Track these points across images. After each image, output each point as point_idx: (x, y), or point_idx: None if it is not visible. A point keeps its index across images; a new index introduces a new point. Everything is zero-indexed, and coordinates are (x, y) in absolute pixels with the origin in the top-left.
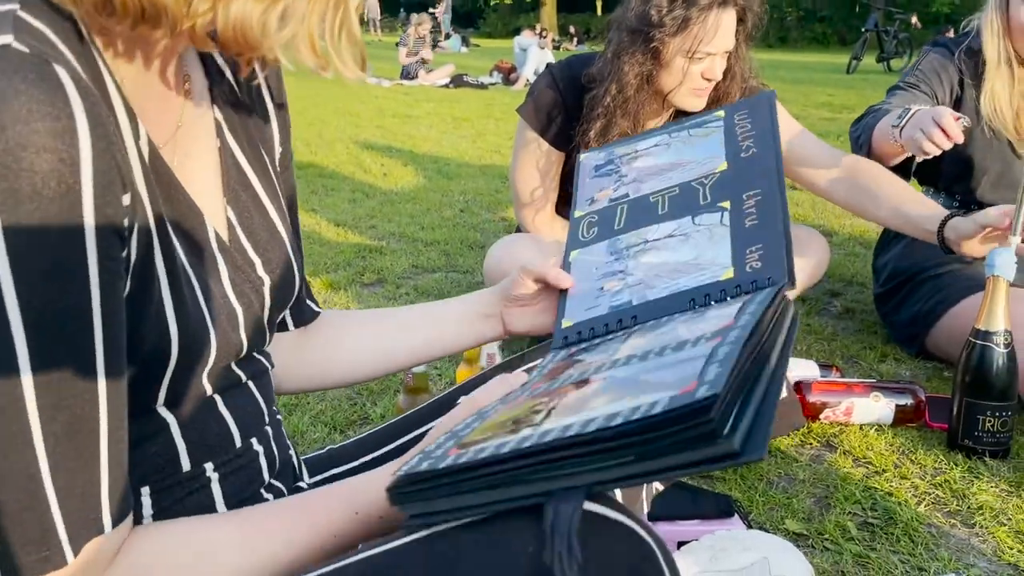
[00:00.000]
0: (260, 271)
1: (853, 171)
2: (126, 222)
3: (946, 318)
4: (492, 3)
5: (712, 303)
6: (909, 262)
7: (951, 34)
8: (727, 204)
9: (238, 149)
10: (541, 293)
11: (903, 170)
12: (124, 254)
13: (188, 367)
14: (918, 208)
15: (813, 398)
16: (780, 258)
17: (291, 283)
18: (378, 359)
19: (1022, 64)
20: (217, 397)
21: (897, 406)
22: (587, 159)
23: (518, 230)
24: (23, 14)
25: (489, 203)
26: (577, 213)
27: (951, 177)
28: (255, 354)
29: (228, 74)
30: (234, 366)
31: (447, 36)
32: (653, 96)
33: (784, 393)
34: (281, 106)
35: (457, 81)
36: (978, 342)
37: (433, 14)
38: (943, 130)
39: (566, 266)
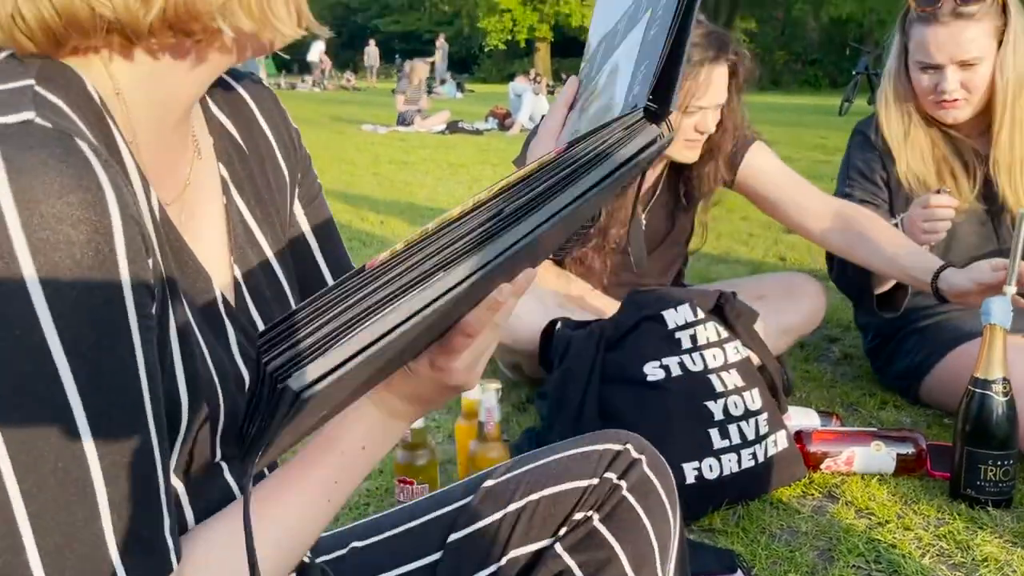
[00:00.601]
0: None
1: (846, 218)
2: (153, 283)
3: (936, 370)
4: (486, 49)
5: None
6: (895, 318)
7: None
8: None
9: (244, 206)
10: None
11: (899, 289)
12: (154, 312)
13: (197, 432)
14: (912, 258)
15: (814, 448)
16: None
17: None
18: None
19: (936, 126)
20: (223, 464)
21: (899, 455)
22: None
23: None
24: (40, 89)
25: None
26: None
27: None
28: None
29: (232, 130)
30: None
31: (442, 82)
32: None
33: (785, 444)
34: (293, 147)
35: (452, 127)
36: (977, 391)
37: (430, 61)
38: (937, 212)
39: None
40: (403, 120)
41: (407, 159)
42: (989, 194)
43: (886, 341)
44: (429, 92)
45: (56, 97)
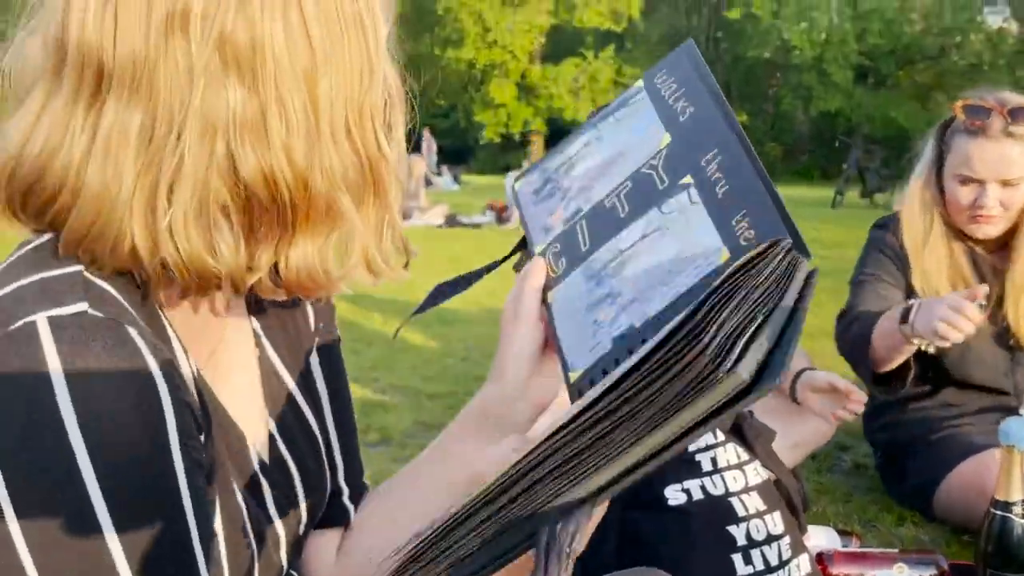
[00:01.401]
0: (298, 486)
1: None
2: (204, 459)
3: (946, 484)
4: (481, 142)
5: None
6: (904, 433)
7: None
8: (689, 179)
9: (276, 356)
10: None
11: (899, 375)
12: (205, 484)
13: None
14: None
15: (836, 570)
16: (773, 217)
17: (324, 496)
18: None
19: (958, 238)
20: None
21: None
22: (521, 186)
23: None
24: (89, 276)
25: (490, 351)
26: (537, 249)
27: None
28: (292, 572)
29: None
30: None
31: (438, 173)
32: None
33: (808, 569)
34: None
35: (451, 221)
36: (998, 513)
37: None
38: (963, 322)
39: (548, 314)
40: (402, 215)
41: None
42: (998, 313)
43: (895, 458)
44: (428, 184)
45: (104, 281)
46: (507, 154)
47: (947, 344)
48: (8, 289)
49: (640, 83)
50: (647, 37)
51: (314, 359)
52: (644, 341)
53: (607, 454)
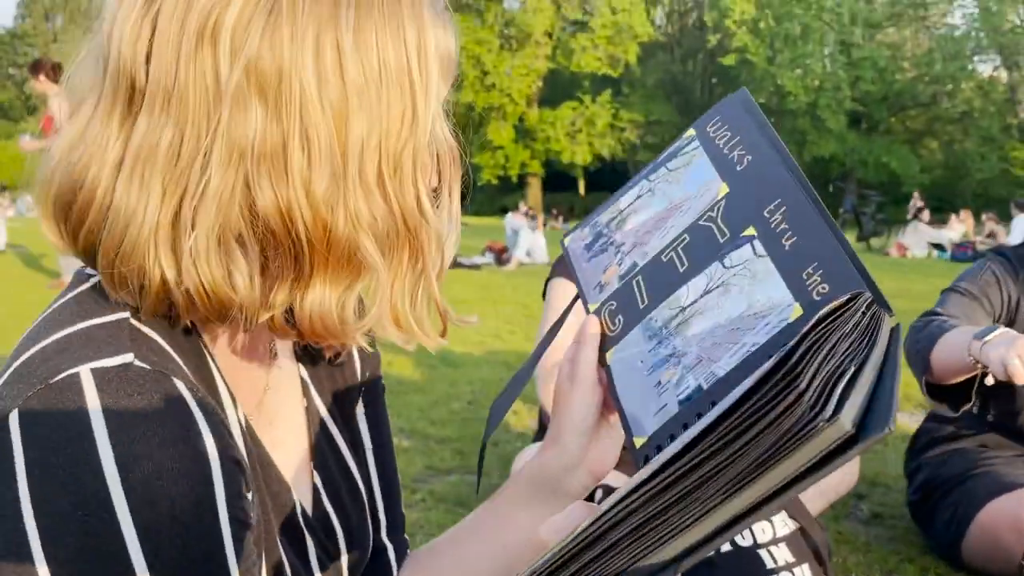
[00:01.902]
0: (341, 541)
1: None
2: (252, 518)
3: (976, 524)
4: (479, 184)
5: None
6: (946, 470)
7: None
8: (752, 230)
9: (323, 407)
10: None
11: (958, 394)
12: (252, 542)
13: None
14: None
15: None
16: (848, 270)
17: (366, 551)
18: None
19: None
20: None
21: None
22: (572, 242)
23: (539, 431)
24: (135, 323)
25: (496, 394)
26: (592, 307)
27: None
28: None
29: None
30: None
31: None
32: None
33: None
34: (369, 351)
35: (451, 263)
36: None
37: None
38: None
39: (607, 376)
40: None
41: None
42: None
43: (932, 493)
44: None
45: (150, 329)
46: (504, 196)
47: (1013, 380)
48: (53, 338)
49: (692, 132)
50: (643, 82)
51: (360, 409)
52: (713, 403)
53: (691, 513)
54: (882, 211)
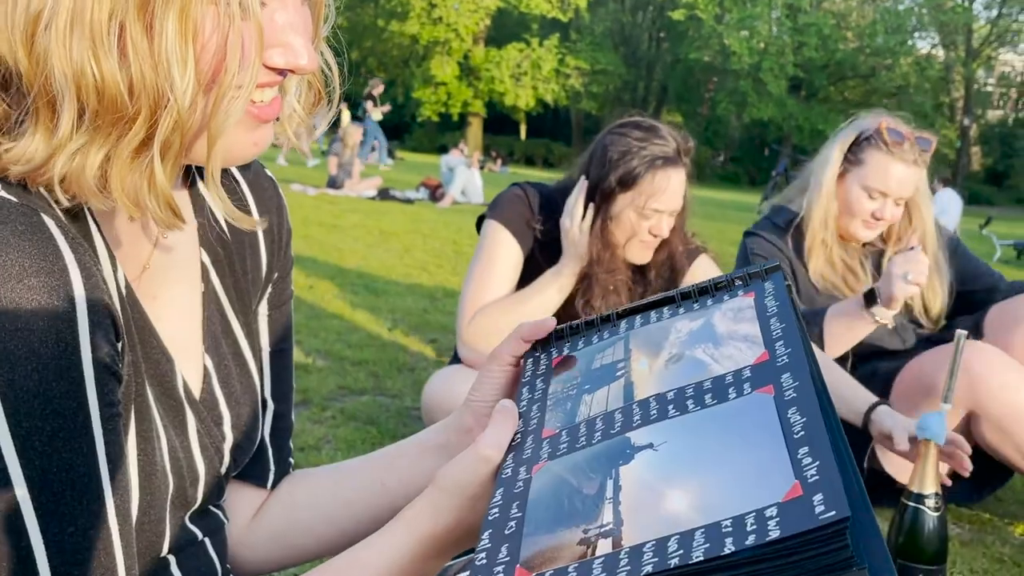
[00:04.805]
0: (227, 427)
1: None
2: (120, 368)
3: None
4: (419, 120)
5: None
6: None
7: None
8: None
9: (224, 295)
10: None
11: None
12: (120, 398)
13: (144, 523)
14: (851, 391)
15: None
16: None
17: (253, 442)
18: (337, 511)
19: (839, 237)
20: (171, 557)
21: None
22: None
23: (453, 358)
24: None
25: (417, 323)
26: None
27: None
28: (211, 507)
29: (221, 218)
30: (189, 523)
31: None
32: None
33: None
34: (280, 246)
35: (383, 194)
36: (911, 504)
37: (366, 116)
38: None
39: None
40: (333, 183)
41: (337, 223)
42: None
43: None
44: (373, 150)
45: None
46: (444, 134)
47: (918, 291)
48: None
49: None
50: (592, 29)
51: (263, 309)
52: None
53: None
54: None
